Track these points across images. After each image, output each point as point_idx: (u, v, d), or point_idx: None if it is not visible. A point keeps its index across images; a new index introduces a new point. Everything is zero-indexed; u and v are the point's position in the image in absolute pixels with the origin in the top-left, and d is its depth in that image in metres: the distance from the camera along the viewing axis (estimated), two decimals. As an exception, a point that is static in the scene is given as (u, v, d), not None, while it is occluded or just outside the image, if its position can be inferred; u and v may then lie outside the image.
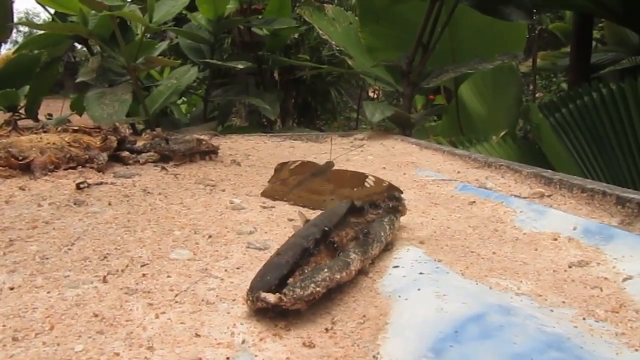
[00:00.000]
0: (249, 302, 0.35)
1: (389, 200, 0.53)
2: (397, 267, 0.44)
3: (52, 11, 1.44)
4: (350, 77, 3.02)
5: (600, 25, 3.24)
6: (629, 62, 2.71)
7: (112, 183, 0.69)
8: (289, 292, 0.34)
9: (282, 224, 0.56)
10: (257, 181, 0.74)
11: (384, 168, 0.88)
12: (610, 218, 0.58)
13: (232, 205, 0.62)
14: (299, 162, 0.74)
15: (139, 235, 0.50)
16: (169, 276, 0.42)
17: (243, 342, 0.32)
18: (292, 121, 2.74)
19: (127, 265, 0.43)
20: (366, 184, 0.65)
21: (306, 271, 0.38)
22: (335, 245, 0.43)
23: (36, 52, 1.43)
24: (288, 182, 0.69)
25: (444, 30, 1.51)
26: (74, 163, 0.73)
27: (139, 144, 0.84)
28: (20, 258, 0.44)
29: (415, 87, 1.52)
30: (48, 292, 0.38)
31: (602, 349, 0.31)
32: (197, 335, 0.33)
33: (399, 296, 0.38)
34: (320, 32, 1.94)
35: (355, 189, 0.64)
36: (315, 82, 2.86)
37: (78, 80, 1.38)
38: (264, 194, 0.68)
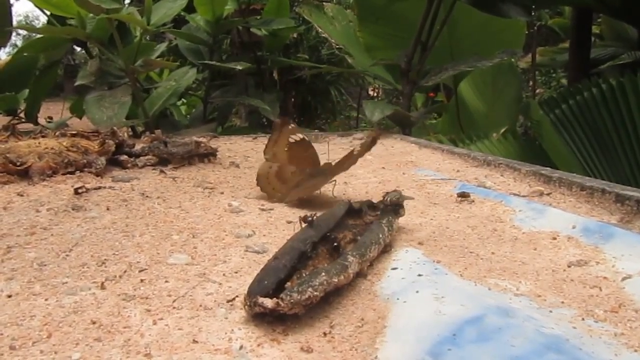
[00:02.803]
0: (246, 307, 0.35)
1: (390, 203, 0.53)
2: (395, 269, 0.44)
3: (49, 14, 1.44)
4: (350, 76, 3.02)
5: (599, 20, 3.24)
6: (629, 57, 2.71)
7: (110, 187, 0.69)
8: (287, 296, 0.34)
9: (280, 226, 0.56)
10: (256, 184, 0.74)
11: (383, 168, 0.87)
12: (610, 216, 0.58)
13: (230, 208, 0.62)
14: (300, 138, 0.71)
15: (137, 240, 0.50)
16: (167, 281, 0.42)
17: (241, 347, 0.32)
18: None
19: (125, 271, 0.43)
20: (354, 151, 0.66)
21: (304, 275, 0.38)
22: (335, 244, 0.43)
23: (34, 55, 1.43)
24: (285, 177, 0.68)
25: (442, 29, 1.50)
26: (72, 168, 0.73)
27: (138, 147, 0.84)
28: (18, 265, 0.44)
29: (414, 85, 1.52)
30: (46, 300, 0.38)
31: (601, 350, 0.31)
32: (195, 342, 0.33)
33: (398, 299, 0.38)
34: (320, 30, 1.94)
35: (346, 164, 0.66)
36: (315, 81, 2.86)
37: (77, 83, 1.38)
38: (259, 182, 0.68)
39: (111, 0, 1.18)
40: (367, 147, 0.65)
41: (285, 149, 0.71)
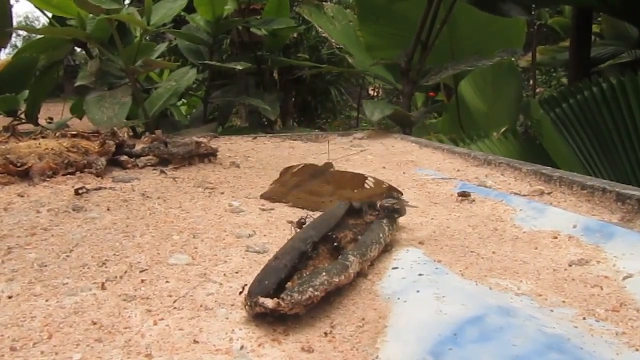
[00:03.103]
0: (247, 307, 0.35)
1: (389, 200, 0.53)
2: (396, 268, 0.44)
3: (50, 15, 1.44)
4: (350, 76, 3.02)
5: (599, 19, 3.23)
6: (629, 55, 2.71)
7: (110, 188, 0.69)
8: (287, 296, 0.34)
9: (281, 226, 0.56)
10: (256, 183, 0.74)
11: (384, 167, 0.87)
12: (611, 215, 0.58)
13: (231, 208, 0.62)
14: (302, 165, 0.74)
15: (137, 241, 0.50)
16: (167, 282, 0.42)
17: (241, 347, 0.32)
18: (292, 121, 2.75)
19: (125, 271, 0.43)
20: (366, 185, 0.65)
21: (304, 275, 0.38)
22: (335, 244, 0.43)
23: (34, 56, 1.43)
24: (287, 183, 0.68)
25: (442, 28, 1.50)
26: (72, 168, 0.73)
27: (138, 147, 0.84)
28: (18, 266, 0.44)
29: (414, 85, 1.52)
30: (46, 300, 0.38)
31: (602, 349, 0.31)
32: (196, 342, 0.33)
33: (398, 298, 0.38)
34: (320, 30, 1.94)
35: (355, 191, 0.64)
36: (315, 81, 2.86)
37: (77, 84, 1.38)
38: (263, 197, 0.68)
39: (111, 1, 1.18)
40: (380, 195, 0.61)
41: (290, 175, 0.72)
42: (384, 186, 0.64)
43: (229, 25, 1.63)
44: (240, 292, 0.37)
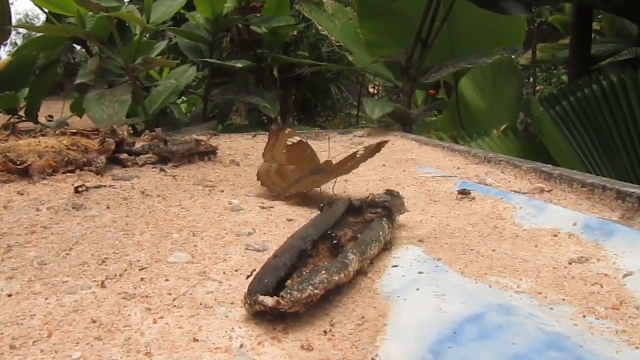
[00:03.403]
0: (247, 305, 0.35)
1: (389, 199, 0.53)
2: (396, 266, 0.44)
3: (48, 12, 1.44)
4: (350, 74, 3.02)
5: (599, 17, 3.23)
6: (629, 53, 2.71)
7: (110, 186, 0.69)
8: (287, 295, 0.34)
9: (281, 224, 0.56)
10: (257, 182, 0.74)
11: (384, 165, 0.87)
12: (611, 213, 0.58)
13: (231, 206, 0.62)
14: (298, 140, 0.74)
15: (137, 239, 0.50)
16: (167, 280, 0.42)
17: (241, 346, 0.32)
18: (292, 119, 2.74)
19: (125, 270, 0.43)
20: (357, 156, 0.67)
21: (304, 273, 0.38)
22: (335, 242, 0.43)
23: (34, 54, 1.43)
24: (286, 175, 0.69)
25: (442, 26, 1.50)
26: (72, 167, 0.73)
27: (138, 145, 0.84)
28: (18, 264, 0.44)
29: (415, 83, 1.52)
30: (46, 299, 0.38)
31: (602, 348, 0.31)
32: (195, 340, 0.33)
33: (398, 297, 0.38)
34: (320, 28, 1.94)
35: (348, 164, 0.67)
36: (316, 79, 2.86)
37: (77, 82, 1.38)
38: (260, 178, 0.69)
39: (111, -1, 1.18)
40: (370, 153, 0.66)
41: (284, 152, 0.73)
42: (373, 146, 0.66)
43: (229, 23, 1.62)
44: (248, 277, 0.37)
